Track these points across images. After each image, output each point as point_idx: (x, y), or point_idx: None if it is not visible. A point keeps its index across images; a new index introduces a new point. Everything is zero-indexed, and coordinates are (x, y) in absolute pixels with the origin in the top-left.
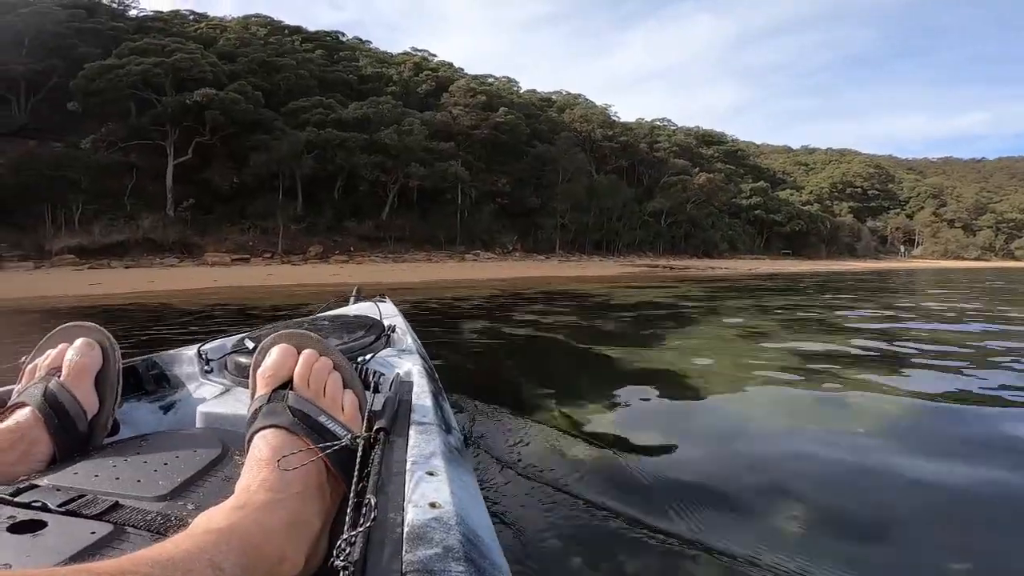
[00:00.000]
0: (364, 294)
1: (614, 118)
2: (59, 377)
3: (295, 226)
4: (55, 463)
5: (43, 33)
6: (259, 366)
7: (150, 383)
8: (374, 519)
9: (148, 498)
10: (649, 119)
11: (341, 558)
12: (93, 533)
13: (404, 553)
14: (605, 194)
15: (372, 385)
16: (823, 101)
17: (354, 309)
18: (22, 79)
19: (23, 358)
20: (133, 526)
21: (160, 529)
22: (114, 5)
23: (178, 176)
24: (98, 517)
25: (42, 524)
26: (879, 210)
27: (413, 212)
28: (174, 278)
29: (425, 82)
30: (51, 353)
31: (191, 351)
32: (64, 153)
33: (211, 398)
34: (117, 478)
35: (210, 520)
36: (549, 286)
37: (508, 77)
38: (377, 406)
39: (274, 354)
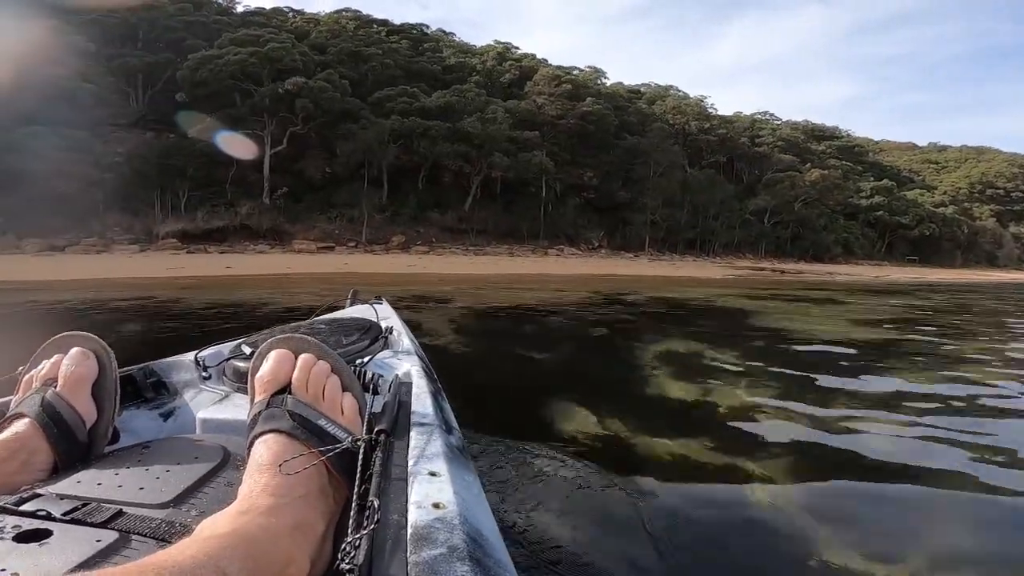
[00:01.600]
0: (360, 296)
1: (710, 110)
2: (55, 387)
3: (379, 215)
4: (57, 472)
5: (155, 26)
6: (257, 371)
7: (148, 391)
8: (378, 521)
9: (151, 505)
10: (748, 113)
11: (346, 561)
12: (99, 541)
13: (409, 554)
14: (700, 190)
15: (371, 387)
16: (949, 96)
17: (350, 312)
18: (139, 72)
19: (19, 369)
20: (138, 533)
21: (165, 536)
22: (220, 2)
23: (275, 166)
24: (103, 525)
25: (47, 533)
26: None
27: (496, 204)
28: (252, 264)
29: (508, 71)
30: (46, 364)
31: (188, 358)
32: (173, 143)
33: (210, 404)
34: (120, 486)
35: (214, 526)
36: (650, 290)
37: (594, 67)
38: (377, 408)
39: (271, 359)
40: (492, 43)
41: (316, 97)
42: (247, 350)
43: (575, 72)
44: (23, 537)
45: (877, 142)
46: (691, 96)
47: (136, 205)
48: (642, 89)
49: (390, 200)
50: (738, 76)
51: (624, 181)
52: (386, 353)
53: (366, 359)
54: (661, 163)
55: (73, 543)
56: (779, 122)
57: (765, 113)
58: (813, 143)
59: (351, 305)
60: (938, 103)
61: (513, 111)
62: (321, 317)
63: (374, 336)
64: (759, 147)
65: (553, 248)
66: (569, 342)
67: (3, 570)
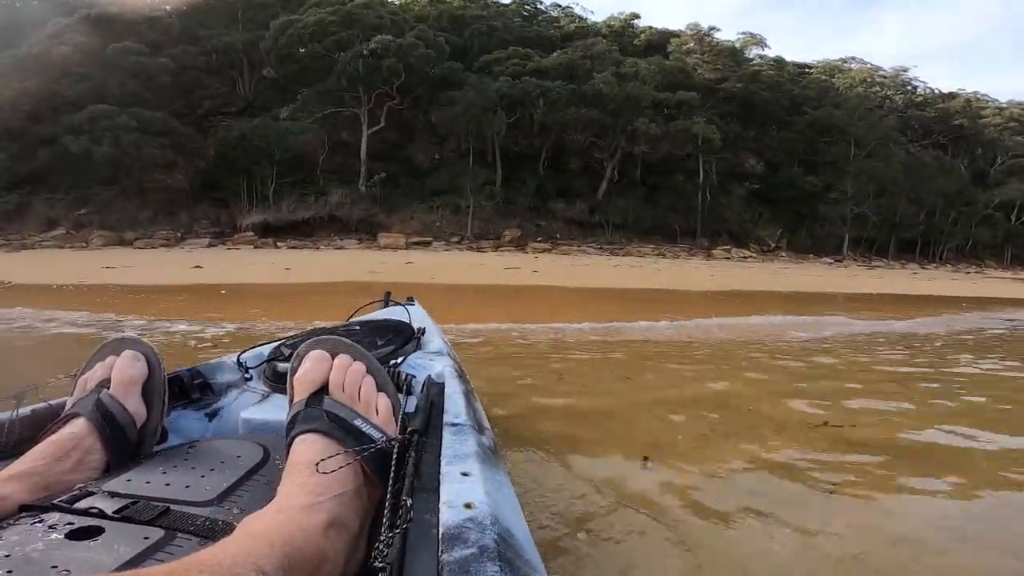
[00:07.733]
0: (393, 298)
1: (915, 83)
2: (109, 389)
3: (489, 204)
4: (108, 470)
5: (252, 5)
6: (295, 372)
7: (194, 392)
8: (410, 520)
9: (196, 503)
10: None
11: (379, 559)
12: (146, 538)
13: (440, 553)
14: (930, 176)
15: (405, 388)
16: None
17: (384, 313)
18: (242, 54)
19: (75, 371)
20: (183, 531)
21: (208, 533)
22: None
23: (379, 153)
24: (150, 522)
25: (99, 530)
26: None
27: (637, 192)
28: (242, 271)
29: (641, 34)
30: (100, 366)
31: (231, 359)
32: (260, 124)
33: (251, 405)
34: (167, 484)
35: (253, 524)
36: None
37: (751, 33)
38: (410, 408)
39: (309, 360)
40: (614, 14)
41: (406, 56)
42: (286, 352)
43: (724, 42)
44: (76, 535)
45: None
46: (884, 68)
47: (226, 195)
48: (812, 64)
49: (504, 187)
50: (908, 63)
51: (806, 165)
52: (419, 354)
53: (399, 360)
54: (867, 140)
55: (123, 540)
56: (1001, 103)
57: (975, 93)
58: None
59: (385, 307)
60: None
61: (659, 66)
62: (356, 319)
63: (407, 337)
64: (984, 129)
65: (717, 248)
66: None
67: (55, 567)
